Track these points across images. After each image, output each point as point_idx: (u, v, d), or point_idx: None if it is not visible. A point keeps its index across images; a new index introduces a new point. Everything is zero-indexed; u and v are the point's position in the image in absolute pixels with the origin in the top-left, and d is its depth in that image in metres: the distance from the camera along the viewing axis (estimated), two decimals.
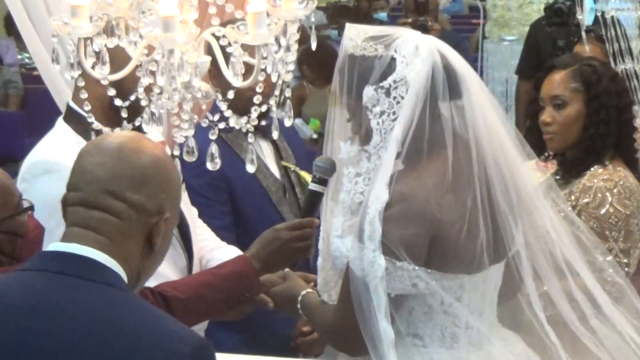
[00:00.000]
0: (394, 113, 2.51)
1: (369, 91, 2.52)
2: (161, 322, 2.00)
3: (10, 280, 2.07)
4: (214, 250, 3.28)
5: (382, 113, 2.52)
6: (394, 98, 2.51)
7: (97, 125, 2.58)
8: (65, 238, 2.07)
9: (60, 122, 3.10)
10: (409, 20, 6.08)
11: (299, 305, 2.80)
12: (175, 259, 3.06)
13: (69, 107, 3.09)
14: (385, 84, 2.51)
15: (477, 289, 2.59)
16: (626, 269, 3.13)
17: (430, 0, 6.26)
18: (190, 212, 3.25)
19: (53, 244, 2.08)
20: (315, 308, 2.76)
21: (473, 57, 7.65)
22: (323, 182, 2.88)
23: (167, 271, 2.95)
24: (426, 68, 2.51)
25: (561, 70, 3.41)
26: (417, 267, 2.46)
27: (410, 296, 2.52)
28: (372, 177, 2.53)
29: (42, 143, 3.09)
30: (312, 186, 2.92)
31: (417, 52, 2.52)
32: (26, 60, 10.52)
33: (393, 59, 2.52)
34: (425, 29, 5.97)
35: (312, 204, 2.91)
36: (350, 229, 2.56)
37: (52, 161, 2.97)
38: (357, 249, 2.48)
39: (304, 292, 2.81)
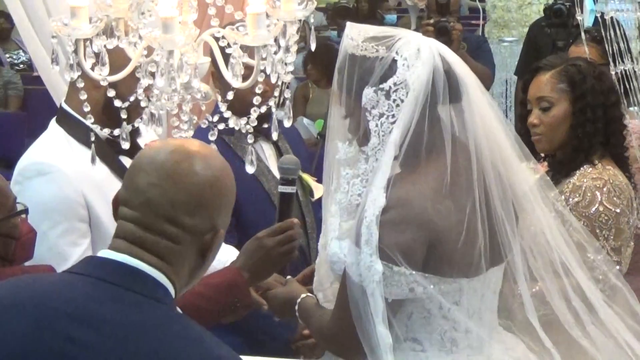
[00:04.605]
0: (393, 116, 2.49)
1: (368, 92, 2.50)
2: (206, 346, 1.97)
3: (57, 282, 2.04)
4: None
5: (381, 115, 2.50)
6: (394, 101, 2.49)
7: (96, 126, 2.59)
8: (117, 249, 2.03)
9: (53, 124, 3.09)
10: (431, 21, 6.05)
11: (296, 307, 2.78)
12: None
13: (61, 109, 3.08)
14: (386, 86, 2.50)
15: (476, 293, 2.58)
16: (618, 268, 3.13)
17: (452, 1, 6.23)
18: None
19: (104, 251, 2.04)
20: (313, 313, 2.75)
21: None
22: (291, 182, 2.89)
23: None
24: (427, 71, 2.49)
25: (547, 71, 3.42)
26: (414, 272, 2.45)
27: (408, 301, 2.51)
28: (370, 179, 2.52)
29: (34, 145, 3.08)
30: (282, 188, 2.93)
31: (418, 54, 2.51)
32: (15, 59, 10.54)
33: (394, 61, 2.50)
34: (446, 30, 5.96)
35: (285, 205, 2.93)
36: (348, 232, 2.56)
37: (44, 163, 2.96)
38: (354, 253, 2.47)
39: (303, 295, 2.80)
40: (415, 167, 2.50)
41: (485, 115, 2.59)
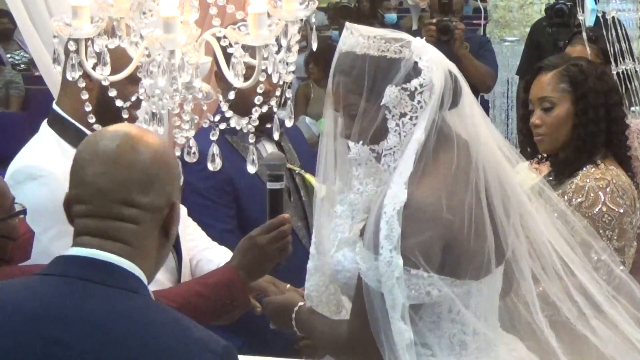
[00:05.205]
0: (416, 117, 2.50)
1: (392, 91, 2.49)
2: (186, 330, 1.98)
3: (30, 286, 2.04)
4: (204, 250, 3.27)
5: (402, 115, 2.50)
6: (418, 102, 2.50)
7: (97, 126, 2.58)
8: (83, 244, 2.03)
9: (44, 127, 3.08)
10: (434, 20, 6.05)
11: (293, 315, 2.77)
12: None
13: (53, 111, 3.07)
14: (410, 86, 2.50)
15: (482, 294, 2.58)
16: (621, 268, 3.13)
17: (454, 0, 6.23)
18: None
19: (73, 248, 2.04)
20: (317, 322, 2.73)
21: None
22: (279, 178, 2.90)
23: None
24: (443, 75, 2.53)
25: (549, 71, 3.42)
26: (432, 274, 2.45)
27: (422, 305, 2.51)
28: (385, 177, 2.52)
29: (25, 148, 3.07)
30: (270, 185, 2.93)
31: (434, 59, 2.53)
32: (16, 59, 10.55)
33: (416, 63, 2.51)
34: (449, 29, 5.96)
35: (275, 202, 2.93)
36: (358, 235, 2.55)
37: (35, 167, 2.94)
38: (369, 259, 2.46)
39: (300, 303, 2.79)
40: (425, 167, 2.51)
41: (479, 119, 2.62)
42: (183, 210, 3.32)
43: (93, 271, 1.99)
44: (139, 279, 2.02)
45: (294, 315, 2.76)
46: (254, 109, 2.42)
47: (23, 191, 2.88)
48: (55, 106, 3.07)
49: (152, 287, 2.72)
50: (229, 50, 2.33)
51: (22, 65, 10.58)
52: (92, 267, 2.00)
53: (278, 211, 2.93)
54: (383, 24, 10.83)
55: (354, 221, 2.58)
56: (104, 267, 2.00)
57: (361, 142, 2.54)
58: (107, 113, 2.61)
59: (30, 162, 2.98)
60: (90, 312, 1.94)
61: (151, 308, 2.01)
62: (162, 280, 3.00)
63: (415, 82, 2.50)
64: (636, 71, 4.09)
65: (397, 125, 2.50)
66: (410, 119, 2.50)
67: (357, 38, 2.54)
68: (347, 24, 2.59)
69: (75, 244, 2.04)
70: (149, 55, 2.36)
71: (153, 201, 2.04)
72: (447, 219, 2.45)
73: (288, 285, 3.08)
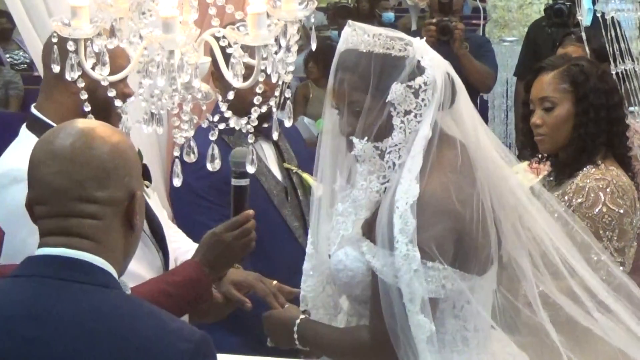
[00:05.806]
0: (420, 115, 2.52)
1: (398, 88, 2.52)
2: (162, 322, 2.00)
3: (3, 288, 2.04)
4: (188, 251, 3.28)
5: (407, 112, 2.53)
6: (422, 100, 2.53)
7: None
8: (50, 244, 2.04)
9: (24, 130, 3.09)
10: (434, 20, 6.06)
11: (295, 329, 2.75)
12: (150, 259, 3.05)
13: (32, 115, 3.08)
14: (415, 84, 2.53)
15: (483, 290, 2.61)
16: (621, 268, 3.13)
17: (454, 0, 6.23)
18: (162, 213, 3.25)
19: (41, 249, 2.05)
20: (325, 332, 2.72)
21: None
22: (243, 175, 2.91)
23: (143, 272, 2.95)
24: (443, 75, 2.56)
25: (549, 71, 3.42)
26: (446, 267, 2.47)
27: (438, 300, 2.52)
28: (389, 174, 2.54)
29: (7, 153, 3.07)
30: (235, 182, 2.95)
31: (435, 58, 2.57)
32: (15, 59, 10.55)
33: (419, 61, 2.54)
34: (449, 29, 5.97)
35: (239, 199, 2.95)
36: (360, 233, 2.55)
37: (20, 170, 2.91)
38: (383, 256, 2.47)
39: (302, 316, 2.78)
40: (432, 163, 2.53)
41: (475, 119, 2.65)
42: (164, 213, 3.33)
43: (63, 269, 2.00)
44: (109, 273, 2.03)
45: (295, 329, 2.75)
46: (253, 109, 2.41)
47: (9, 194, 2.87)
48: (34, 110, 3.08)
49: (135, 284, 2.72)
50: (228, 50, 2.33)
51: (22, 65, 10.58)
52: (61, 265, 2.01)
53: (242, 208, 2.95)
54: (381, 24, 10.83)
55: (356, 217, 2.59)
56: (74, 265, 2.01)
57: (366, 138, 2.56)
58: (99, 113, 2.60)
59: (14, 165, 2.97)
60: (65, 309, 1.95)
61: (125, 302, 2.02)
62: (148, 279, 3.00)
63: (419, 80, 2.52)
64: (635, 71, 4.09)
65: (402, 122, 2.53)
66: (415, 116, 2.53)
67: (360, 36, 2.56)
68: (350, 21, 2.61)
69: (42, 244, 2.05)
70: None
71: (112, 195, 2.05)
72: (458, 212, 2.48)
73: (274, 282, 3.09)
